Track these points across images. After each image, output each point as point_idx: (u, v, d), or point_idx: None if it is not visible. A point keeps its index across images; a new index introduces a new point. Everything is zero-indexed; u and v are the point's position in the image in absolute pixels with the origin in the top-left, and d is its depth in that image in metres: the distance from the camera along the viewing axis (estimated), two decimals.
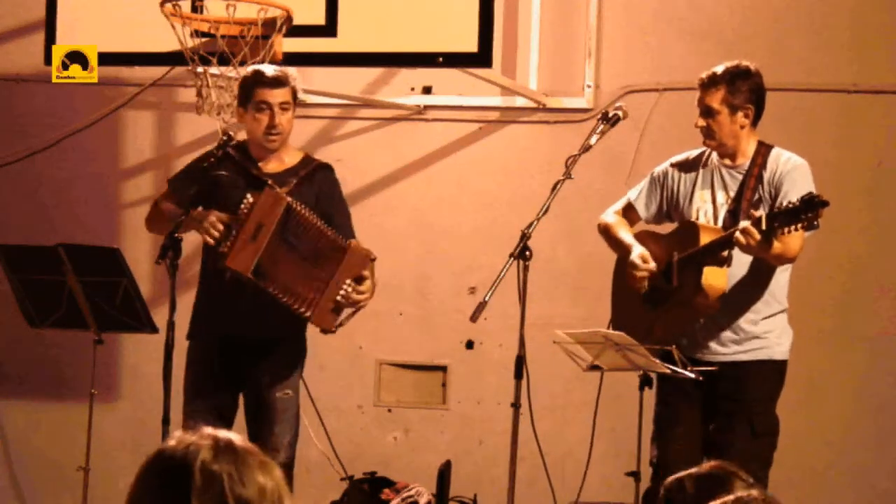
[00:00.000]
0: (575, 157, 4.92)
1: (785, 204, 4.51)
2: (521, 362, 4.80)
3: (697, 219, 4.91)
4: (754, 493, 2.34)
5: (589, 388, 5.31)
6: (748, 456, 4.81)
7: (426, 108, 6.56)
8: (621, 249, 5.06)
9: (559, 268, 6.32)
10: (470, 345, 6.50)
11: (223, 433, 2.09)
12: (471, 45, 5.32)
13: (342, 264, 4.99)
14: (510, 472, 4.84)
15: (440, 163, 6.57)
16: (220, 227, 4.95)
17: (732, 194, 4.88)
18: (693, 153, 5.04)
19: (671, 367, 4.69)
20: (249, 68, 5.17)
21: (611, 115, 5.01)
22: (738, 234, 4.57)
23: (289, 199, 4.95)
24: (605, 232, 5.14)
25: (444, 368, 6.56)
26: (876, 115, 6.09)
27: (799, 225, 4.44)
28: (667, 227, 5.13)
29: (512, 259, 4.75)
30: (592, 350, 4.78)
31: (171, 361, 4.91)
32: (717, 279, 4.78)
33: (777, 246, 4.62)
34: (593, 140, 4.95)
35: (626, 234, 5.06)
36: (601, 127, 4.99)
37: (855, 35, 6.12)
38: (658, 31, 6.30)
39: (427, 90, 6.55)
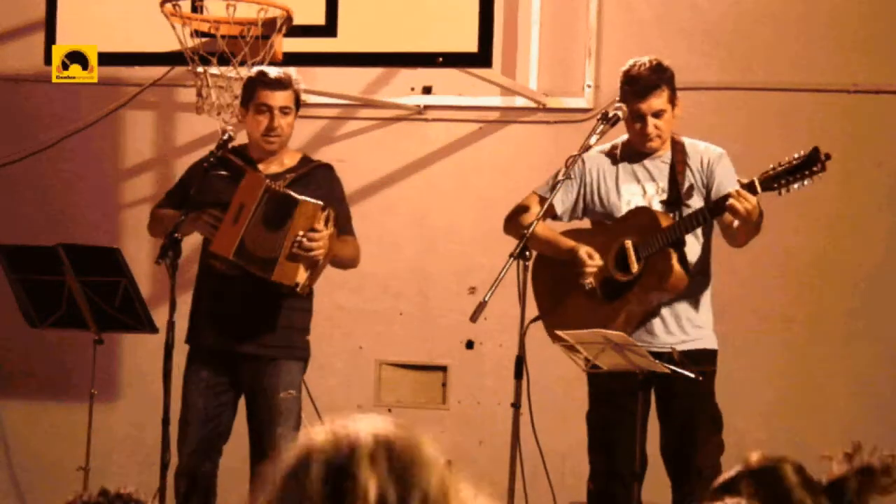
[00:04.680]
0: (575, 157, 4.92)
1: (784, 162, 4.61)
2: (521, 362, 4.80)
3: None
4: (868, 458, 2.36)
5: None
6: (714, 448, 4.85)
7: (426, 108, 6.55)
8: (560, 252, 5.03)
9: None
10: (470, 345, 6.49)
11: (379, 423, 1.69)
12: (471, 45, 5.32)
13: (293, 218, 4.99)
14: (510, 472, 4.83)
15: (440, 163, 6.56)
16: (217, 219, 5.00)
17: (663, 184, 4.92)
18: (605, 146, 5.07)
19: (671, 367, 4.69)
20: (254, 69, 5.19)
21: (611, 115, 5.01)
22: (731, 200, 4.61)
23: (267, 180, 4.99)
24: (536, 237, 4.87)
25: (444, 368, 6.56)
26: (876, 115, 6.08)
27: (804, 181, 4.58)
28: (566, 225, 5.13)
29: (512, 259, 4.75)
30: (592, 350, 4.78)
31: (171, 361, 4.93)
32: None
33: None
34: (593, 140, 4.95)
35: (560, 236, 5.08)
36: (601, 127, 4.99)
37: (855, 35, 6.11)
38: (658, 31, 6.30)
39: (427, 90, 6.55)
